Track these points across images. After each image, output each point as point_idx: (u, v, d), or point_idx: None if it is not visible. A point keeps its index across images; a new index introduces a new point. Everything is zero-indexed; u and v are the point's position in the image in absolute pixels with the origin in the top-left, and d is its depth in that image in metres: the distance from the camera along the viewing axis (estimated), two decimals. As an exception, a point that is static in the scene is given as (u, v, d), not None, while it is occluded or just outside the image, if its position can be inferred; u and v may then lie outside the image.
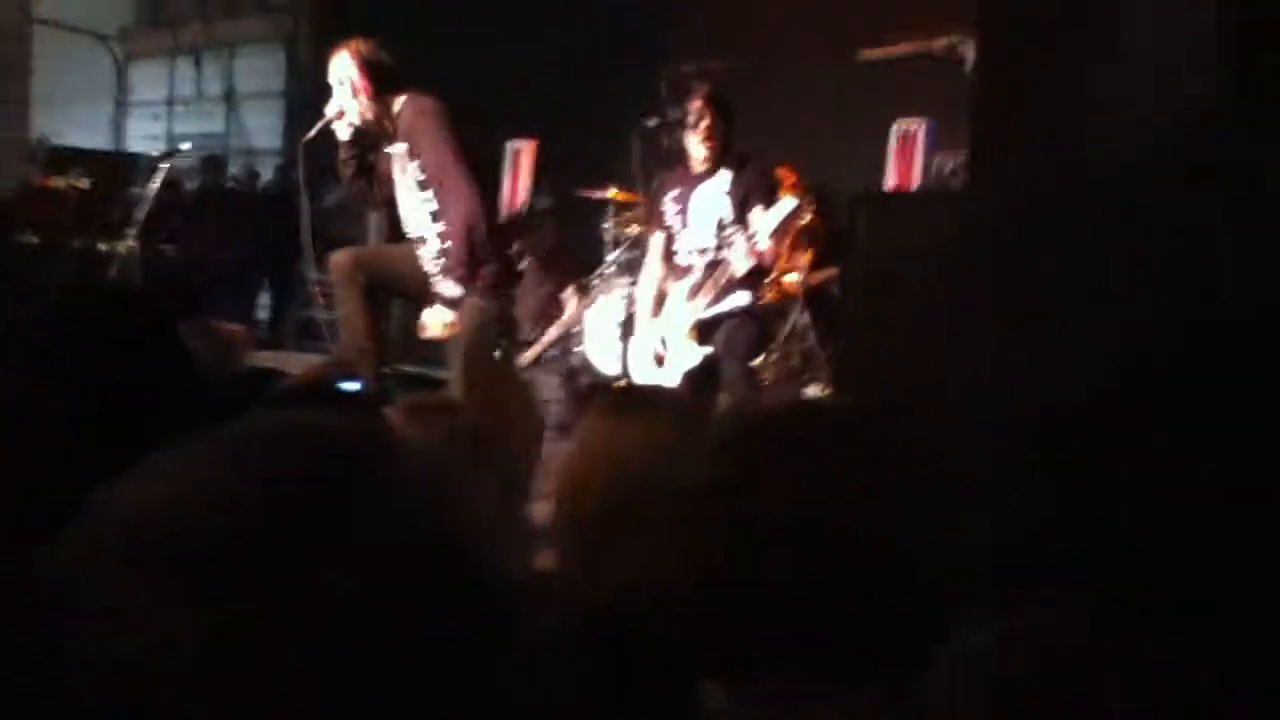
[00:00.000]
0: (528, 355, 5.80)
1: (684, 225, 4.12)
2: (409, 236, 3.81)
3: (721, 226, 4.02)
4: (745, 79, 7.12)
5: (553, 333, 6.15)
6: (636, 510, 1.43)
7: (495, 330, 3.77)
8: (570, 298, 6.02)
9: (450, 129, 3.61)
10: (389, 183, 3.78)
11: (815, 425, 1.10)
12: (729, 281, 3.96)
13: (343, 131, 3.68)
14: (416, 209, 3.68)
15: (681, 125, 3.98)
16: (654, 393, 2.08)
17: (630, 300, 4.27)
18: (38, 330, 1.15)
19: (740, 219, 3.98)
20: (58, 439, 1.07)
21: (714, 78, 5.67)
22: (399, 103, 3.62)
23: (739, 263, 3.90)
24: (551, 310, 6.19)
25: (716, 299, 4.00)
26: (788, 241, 4.12)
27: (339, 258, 3.87)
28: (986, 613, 1.36)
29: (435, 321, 3.68)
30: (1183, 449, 1.71)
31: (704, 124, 3.95)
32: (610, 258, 6.44)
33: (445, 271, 3.64)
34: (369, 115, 3.64)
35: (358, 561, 0.49)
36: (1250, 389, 1.66)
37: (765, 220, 3.87)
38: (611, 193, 6.37)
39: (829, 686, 0.94)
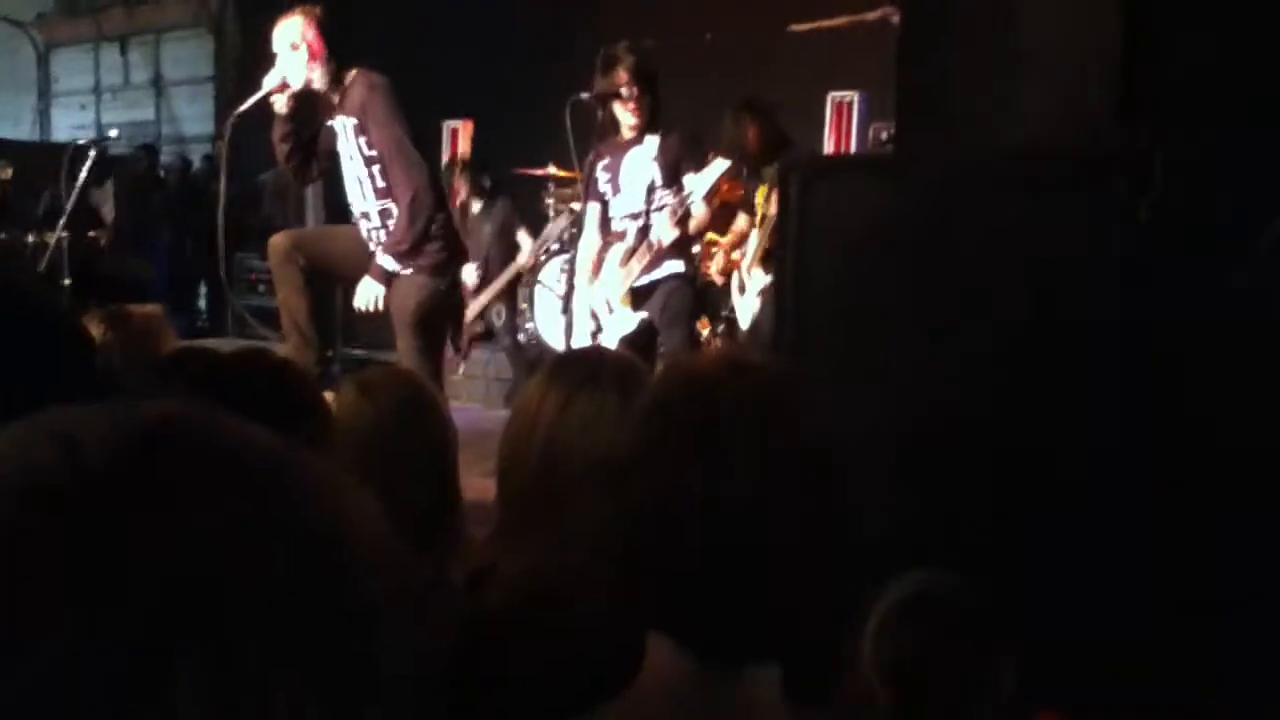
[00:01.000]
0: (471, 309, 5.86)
1: (615, 192, 4.13)
2: (351, 213, 3.76)
3: (651, 190, 4.03)
4: (677, 54, 7.15)
5: (484, 298, 6.17)
6: (565, 477, 1.44)
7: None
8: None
9: (399, 105, 3.58)
10: (328, 157, 3.73)
11: (743, 381, 1.08)
12: (660, 247, 3.97)
13: (280, 105, 3.60)
14: (363, 183, 3.63)
15: (611, 98, 3.98)
16: (591, 355, 2.08)
17: (570, 272, 4.28)
18: None
19: (671, 183, 4.00)
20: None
21: (646, 54, 5.68)
22: (349, 76, 3.58)
23: (664, 230, 3.92)
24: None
25: (650, 266, 4.01)
26: (717, 203, 4.14)
27: (277, 240, 3.81)
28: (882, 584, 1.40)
29: (367, 294, 3.61)
30: (1065, 437, 1.76)
31: (631, 93, 3.95)
32: (550, 229, 6.45)
33: (389, 246, 3.60)
34: (318, 83, 3.57)
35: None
36: (1135, 384, 1.71)
37: (697, 182, 3.89)
38: (551, 169, 6.38)
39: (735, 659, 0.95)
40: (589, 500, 1.32)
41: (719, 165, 3.87)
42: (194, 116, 10.92)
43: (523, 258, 6.20)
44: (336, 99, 3.59)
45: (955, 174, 1.96)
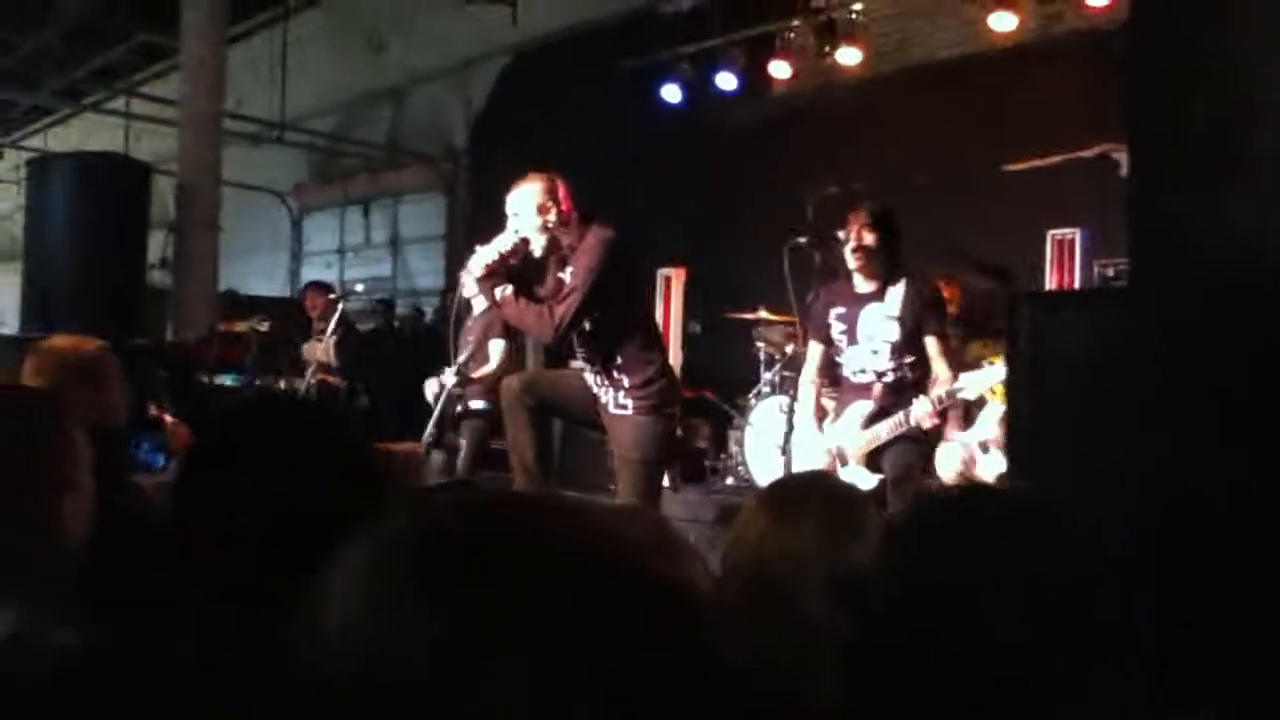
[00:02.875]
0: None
1: (851, 343, 4.17)
2: (574, 359, 3.90)
3: (895, 350, 4.08)
4: (887, 197, 7.21)
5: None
6: (783, 590, 1.42)
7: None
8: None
9: (629, 257, 3.73)
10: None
11: (989, 508, 1.07)
12: (917, 427, 3.99)
13: (485, 256, 3.70)
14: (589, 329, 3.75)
15: (835, 242, 4.04)
16: (810, 479, 2.07)
17: (790, 412, 4.29)
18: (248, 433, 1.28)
19: (911, 342, 4.06)
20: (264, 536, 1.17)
21: (858, 197, 5.75)
22: (589, 230, 3.70)
23: (924, 416, 3.95)
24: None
25: (893, 431, 4.03)
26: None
27: (509, 382, 3.97)
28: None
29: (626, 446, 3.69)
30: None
31: (867, 243, 4.02)
32: (766, 376, 6.51)
33: (614, 388, 3.72)
34: (563, 238, 3.69)
35: None
36: None
37: (972, 381, 3.94)
38: (761, 313, 6.48)
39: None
40: (817, 614, 1.31)
41: (997, 371, 3.86)
42: (427, 271, 11.74)
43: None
44: (570, 250, 3.72)
45: (1202, 300, 1.91)
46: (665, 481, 4.39)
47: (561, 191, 3.71)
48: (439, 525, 0.52)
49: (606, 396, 3.76)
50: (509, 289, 3.70)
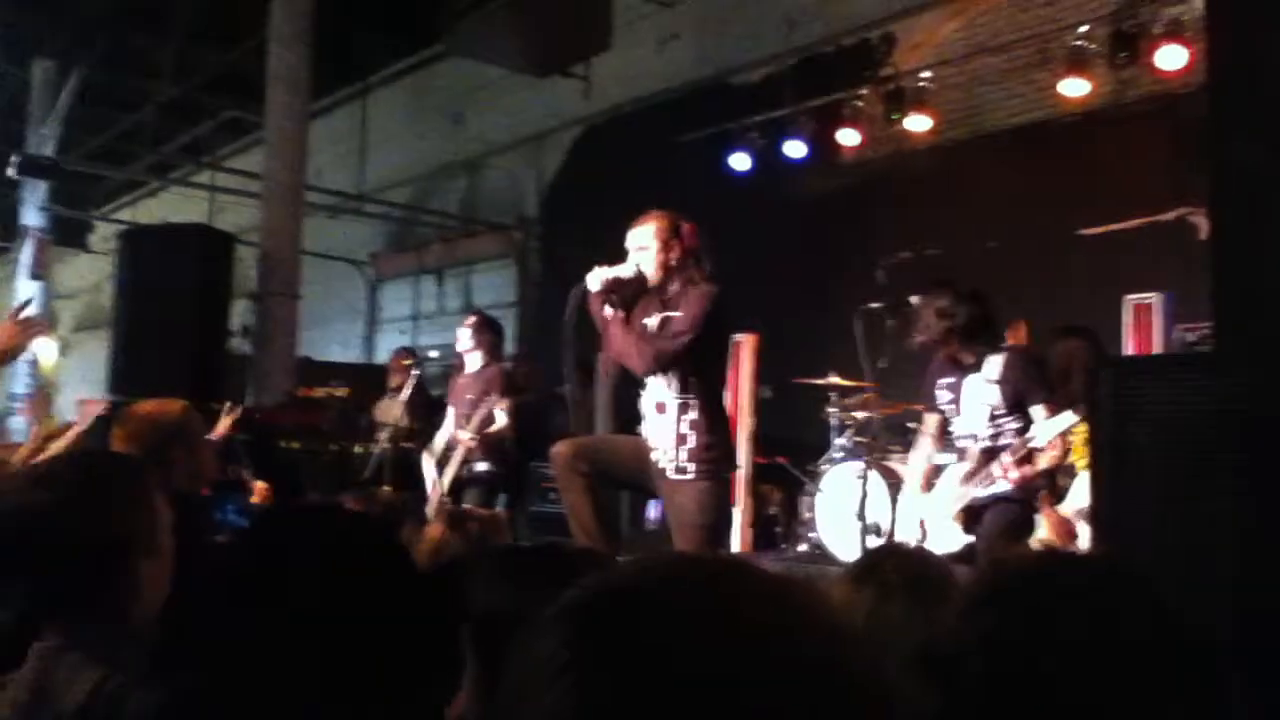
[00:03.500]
0: None
1: (958, 413, 4.32)
2: (643, 417, 3.87)
3: (993, 416, 4.19)
4: (960, 263, 7.16)
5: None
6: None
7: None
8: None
9: (728, 318, 3.80)
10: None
11: (1067, 576, 1.05)
12: (1001, 477, 4.11)
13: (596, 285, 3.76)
14: (669, 374, 3.72)
15: (907, 308, 4.07)
16: (898, 551, 2.05)
17: (864, 479, 4.26)
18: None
19: (1013, 409, 4.16)
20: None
21: (930, 263, 5.73)
22: (700, 281, 3.72)
23: (1006, 464, 4.06)
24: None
25: (982, 484, 4.16)
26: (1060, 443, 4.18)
27: (559, 449, 3.90)
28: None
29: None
30: None
31: (963, 319, 4.17)
32: (838, 441, 6.45)
33: (682, 444, 3.69)
34: (676, 276, 3.72)
35: None
36: None
37: (1044, 429, 4.01)
38: (832, 378, 6.44)
39: None
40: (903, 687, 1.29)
41: (1066, 419, 3.94)
42: (498, 338, 11.88)
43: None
44: (671, 291, 3.74)
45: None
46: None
47: (686, 229, 3.76)
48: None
49: (666, 460, 3.72)
50: (620, 313, 3.77)
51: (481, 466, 5.88)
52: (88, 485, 1.68)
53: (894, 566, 1.58)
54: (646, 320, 3.78)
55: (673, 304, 3.72)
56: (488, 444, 5.83)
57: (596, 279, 3.74)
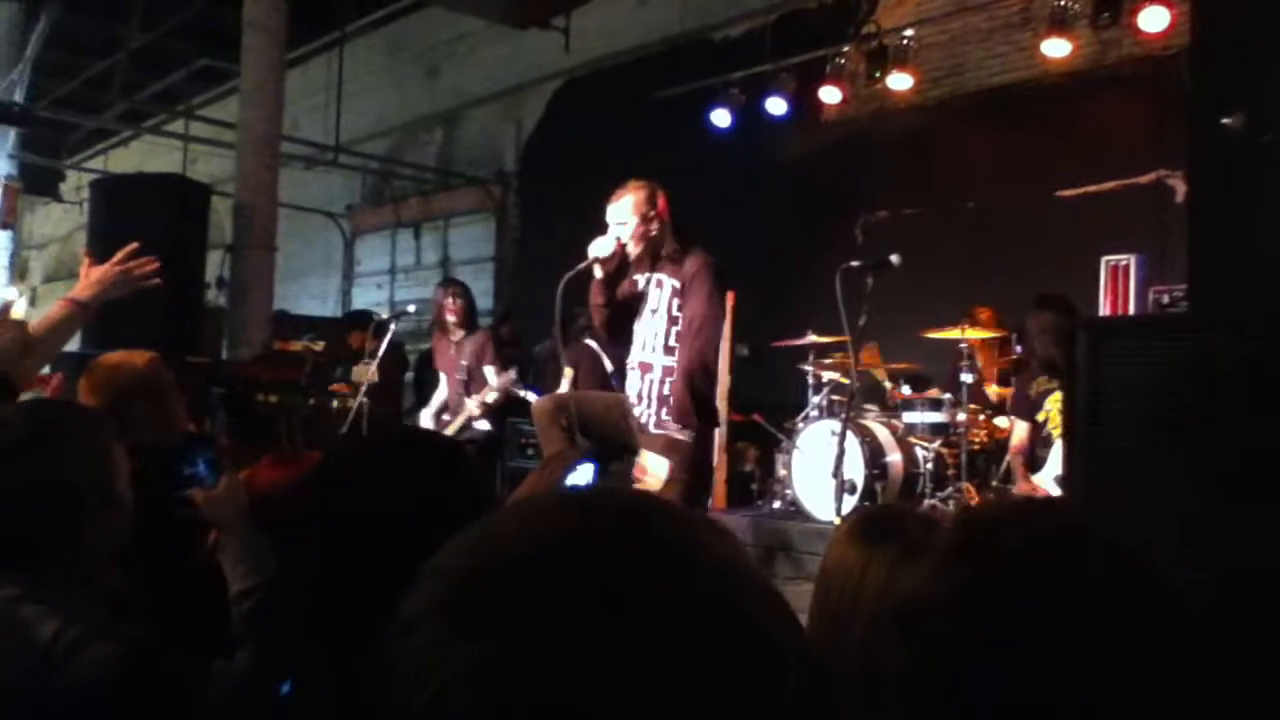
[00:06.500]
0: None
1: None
2: (629, 366, 3.91)
3: None
4: (939, 222, 7.16)
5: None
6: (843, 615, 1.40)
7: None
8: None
9: (720, 288, 3.79)
10: (623, 312, 3.93)
11: (1038, 527, 1.04)
12: None
13: (598, 271, 3.82)
14: (657, 338, 3.80)
15: (887, 267, 4.07)
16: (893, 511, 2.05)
17: (841, 436, 4.27)
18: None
19: None
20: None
21: (906, 222, 5.73)
22: (691, 252, 3.78)
23: None
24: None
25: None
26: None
27: (541, 402, 4.03)
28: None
29: (657, 471, 3.67)
30: None
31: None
32: (814, 399, 6.47)
33: (664, 404, 3.73)
34: (662, 245, 3.78)
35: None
36: None
37: None
38: (809, 337, 6.45)
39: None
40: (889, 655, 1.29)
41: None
42: (476, 292, 11.79)
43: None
44: (664, 262, 3.79)
45: (1265, 328, 1.88)
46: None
47: (661, 200, 3.79)
48: None
49: (647, 414, 3.77)
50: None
51: (482, 426, 6.10)
52: (38, 433, 1.67)
53: (917, 525, 1.56)
54: (638, 277, 3.85)
55: (676, 275, 3.76)
56: (489, 409, 6.06)
57: (599, 270, 3.80)
